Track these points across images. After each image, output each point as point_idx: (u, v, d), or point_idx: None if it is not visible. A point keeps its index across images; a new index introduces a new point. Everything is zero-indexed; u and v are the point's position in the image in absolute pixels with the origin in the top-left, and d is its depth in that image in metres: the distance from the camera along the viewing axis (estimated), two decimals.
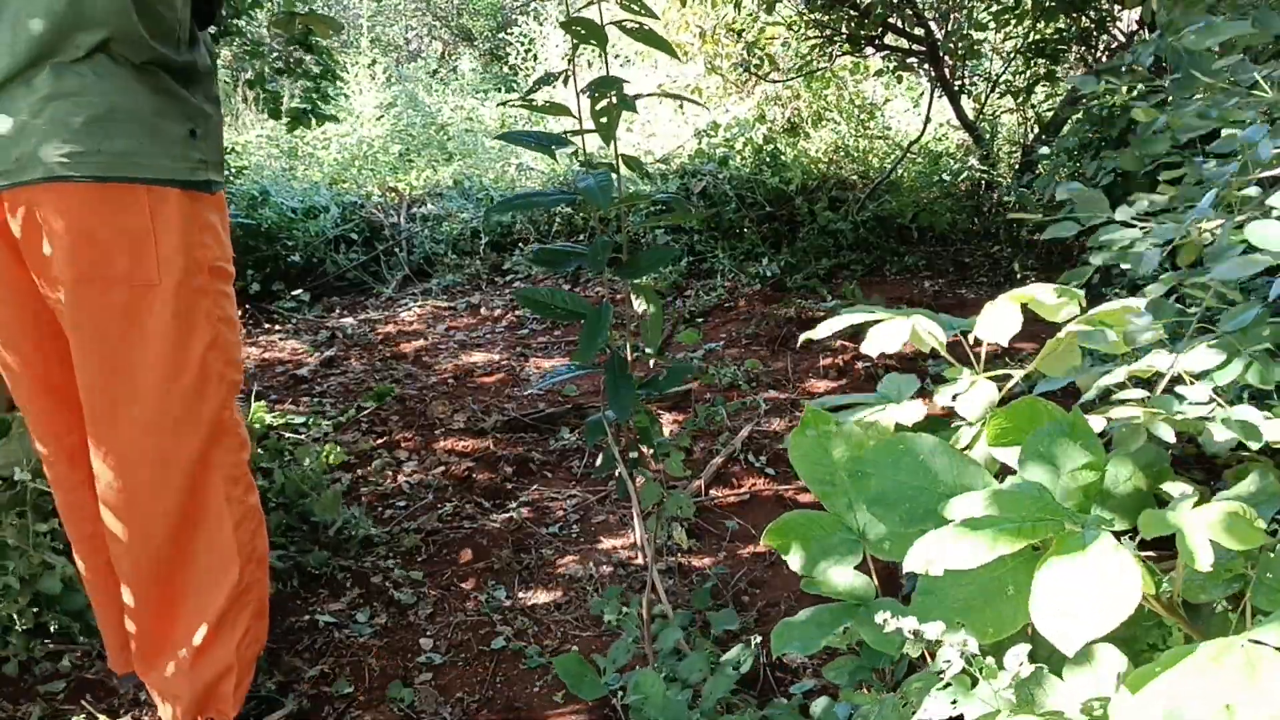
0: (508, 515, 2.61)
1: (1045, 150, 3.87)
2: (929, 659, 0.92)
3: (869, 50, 5.50)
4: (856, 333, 1.41)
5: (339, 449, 2.86)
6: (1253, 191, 1.19)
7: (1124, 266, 1.26)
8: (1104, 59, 4.75)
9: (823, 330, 1.35)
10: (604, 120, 1.64)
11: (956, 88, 5.33)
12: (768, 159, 5.57)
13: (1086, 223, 1.32)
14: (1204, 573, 0.94)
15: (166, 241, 1.47)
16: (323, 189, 5.65)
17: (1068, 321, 1.26)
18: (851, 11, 5.00)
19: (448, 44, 12.30)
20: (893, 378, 1.42)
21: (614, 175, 1.73)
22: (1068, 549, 0.84)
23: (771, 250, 4.89)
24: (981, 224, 5.22)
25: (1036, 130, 5.34)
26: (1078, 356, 1.28)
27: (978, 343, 1.33)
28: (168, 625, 1.66)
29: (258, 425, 2.79)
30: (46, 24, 1.35)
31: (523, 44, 9.78)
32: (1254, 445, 1.06)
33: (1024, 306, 1.33)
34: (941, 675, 0.86)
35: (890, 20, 5.00)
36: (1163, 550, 0.96)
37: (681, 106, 6.66)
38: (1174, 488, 1.09)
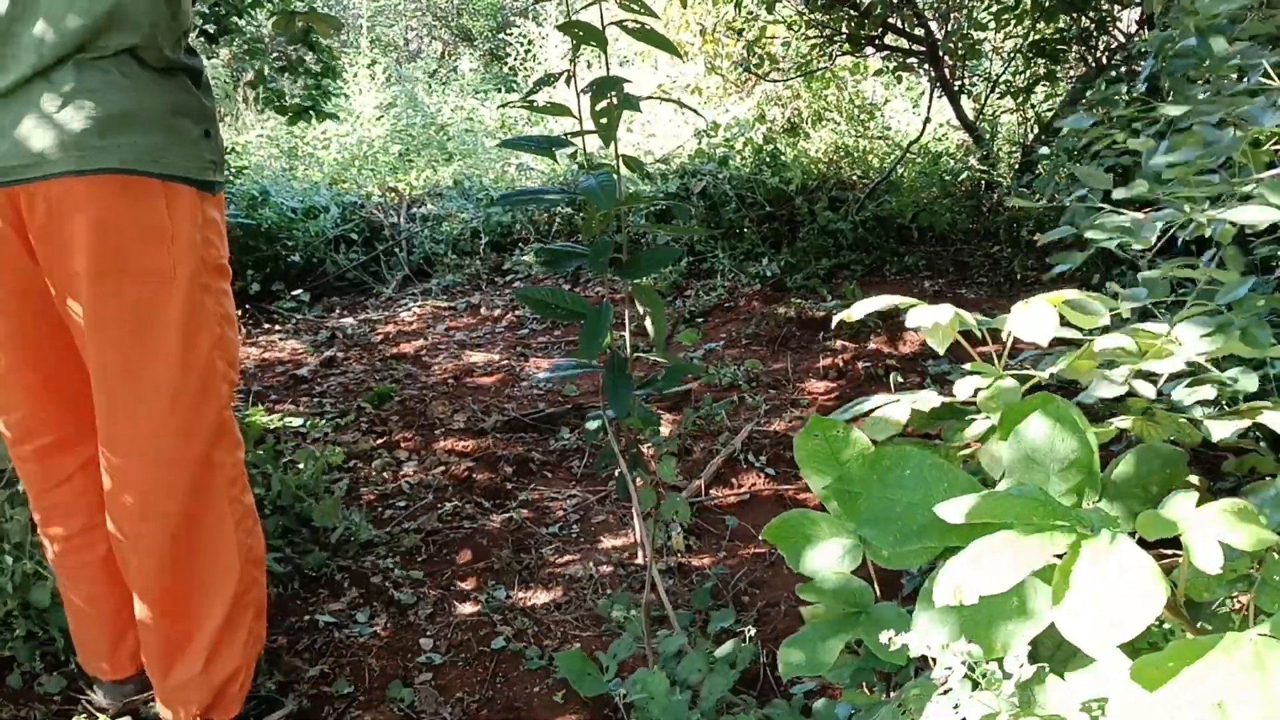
0: (508, 515, 2.60)
1: (1045, 150, 3.87)
2: (931, 662, 0.91)
3: (869, 50, 5.50)
4: (857, 333, 1.41)
5: (339, 449, 2.86)
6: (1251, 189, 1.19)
7: (1122, 254, 1.26)
8: (1104, 59, 4.75)
9: (856, 310, 1.34)
10: (604, 121, 1.63)
11: (956, 88, 5.33)
12: (768, 159, 5.57)
13: (1082, 228, 1.32)
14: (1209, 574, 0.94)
15: (181, 237, 1.49)
16: (323, 189, 5.65)
17: (1092, 331, 1.26)
18: (851, 11, 5.00)
19: (448, 44, 12.30)
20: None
21: (615, 176, 1.73)
22: (1093, 552, 0.82)
23: (771, 250, 4.89)
24: (981, 224, 5.22)
25: (1036, 130, 5.34)
26: (1103, 374, 1.28)
27: (996, 343, 1.32)
28: (180, 628, 1.65)
29: (251, 428, 2.78)
30: (82, 24, 1.37)
31: (522, 44, 9.78)
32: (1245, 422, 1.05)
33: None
34: (941, 682, 0.86)
35: (890, 20, 5.00)
36: (1163, 550, 0.96)
37: (680, 106, 6.64)
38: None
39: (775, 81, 6.10)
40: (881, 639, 0.88)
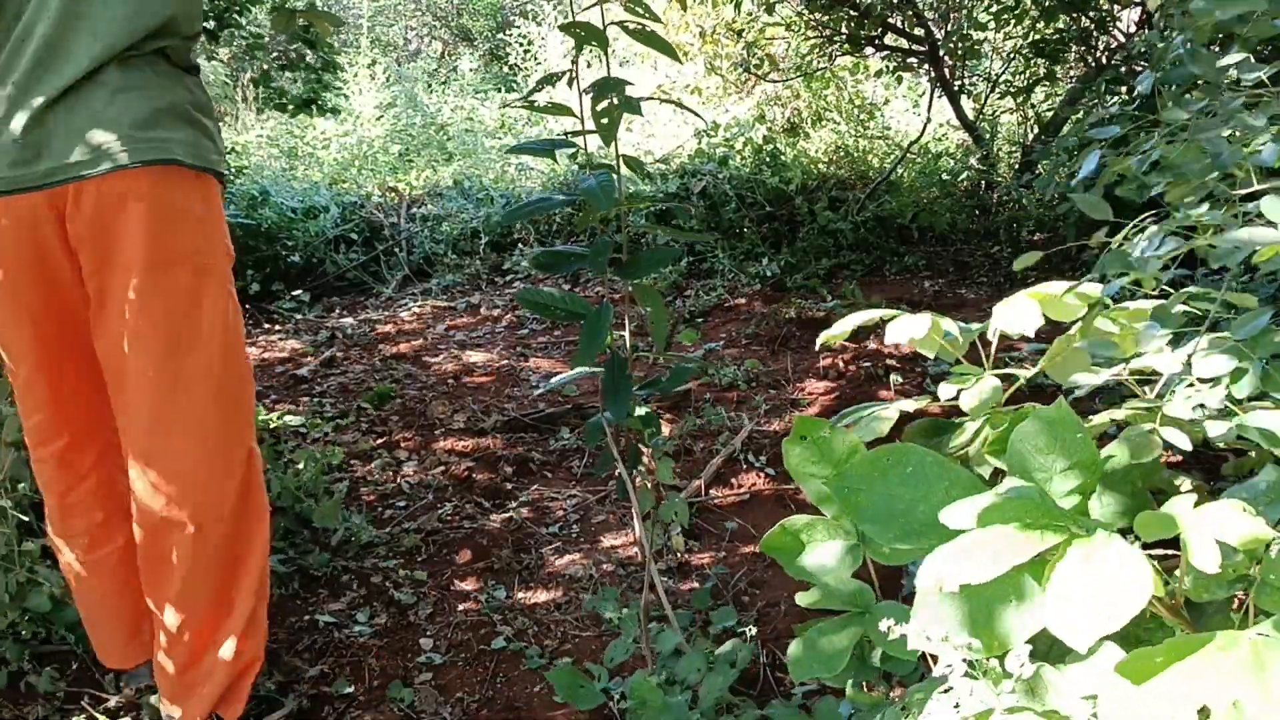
0: (508, 515, 2.61)
1: (1044, 149, 3.88)
2: (932, 663, 0.91)
3: (869, 50, 5.50)
4: (857, 333, 1.41)
5: (339, 450, 2.86)
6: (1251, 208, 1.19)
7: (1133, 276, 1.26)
8: (1104, 59, 4.75)
9: (839, 328, 1.35)
10: (605, 122, 1.63)
11: (956, 88, 5.33)
12: (768, 159, 5.57)
13: (1090, 249, 1.32)
14: (1207, 573, 0.94)
15: (217, 227, 1.57)
16: (323, 189, 5.65)
17: (1075, 322, 1.26)
18: (851, 11, 5.00)
19: (448, 44, 12.30)
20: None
21: (615, 176, 1.73)
22: (1078, 548, 0.83)
23: (771, 250, 4.89)
24: (981, 224, 5.22)
25: (1036, 130, 5.34)
26: (1087, 360, 1.28)
27: (985, 343, 1.33)
28: (212, 623, 1.65)
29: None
30: (138, 28, 1.43)
31: (522, 44, 9.78)
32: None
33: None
34: (943, 680, 0.86)
35: (890, 20, 5.00)
36: (1163, 549, 0.96)
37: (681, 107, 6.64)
38: (1183, 486, 1.09)
39: (775, 82, 6.10)
40: (881, 627, 0.88)
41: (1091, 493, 0.99)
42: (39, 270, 1.49)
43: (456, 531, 2.54)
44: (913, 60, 5.31)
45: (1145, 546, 0.88)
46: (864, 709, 1.29)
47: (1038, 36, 5.01)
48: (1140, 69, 3.18)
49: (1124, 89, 3.98)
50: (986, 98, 5.64)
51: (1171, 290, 1.27)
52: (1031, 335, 1.24)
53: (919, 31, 5.10)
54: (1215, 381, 1.16)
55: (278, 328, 4.26)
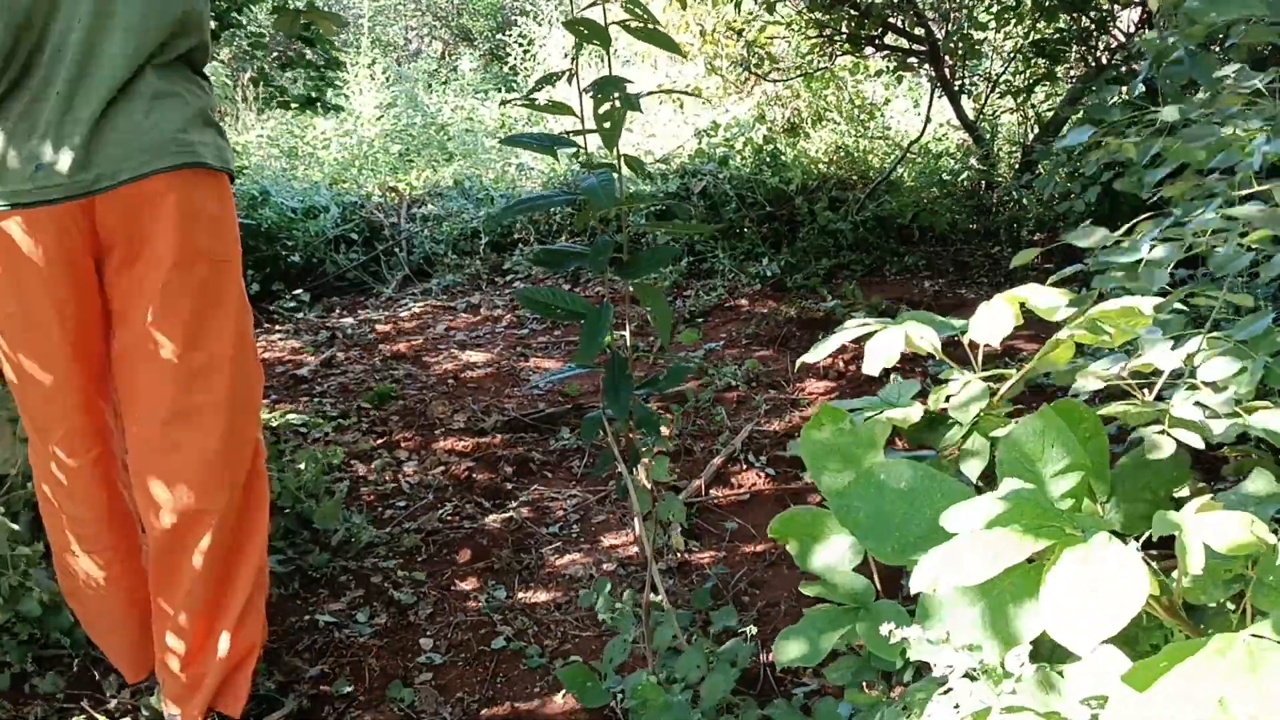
0: (508, 515, 2.61)
1: (1045, 149, 3.87)
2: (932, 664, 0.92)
3: (869, 50, 5.50)
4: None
5: (339, 449, 2.86)
6: (1251, 209, 1.19)
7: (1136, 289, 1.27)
8: (1104, 59, 4.75)
9: (820, 352, 1.35)
10: (607, 124, 1.63)
11: (956, 88, 5.33)
12: (768, 159, 5.57)
13: (1091, 262, 1.33)
14: (1204, 575, 0.94)
15: (231, 222, 1.64)
16: (323, 189, 5.65)
17: (1067, 320, 1.26)
18: (851, 11, 5.00)
19: (448, 44, 12.30)
20: (898, 385, 1.43)
21: (615, 175, 1.73)
22: (1074, 550, 0.83)
23: (771, 250, 4.89)
24: (981, 224, 5.22)
25: (1036, 130, 5.34)
26: (1069, 356, 1.28)
27: (974, 346, 1.33)
28: (218, 609, 1.68)
29: None
30: (159, 31, 1.49)
31: (522, 44, 9.78)
32: None
33: (1024, 306, 1.33)
34: (943, 680, 0.86)
35: (890, 20, 5.00)
36: (1164, 551, 0.96)
37: (681, 106, 6.65)
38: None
39: (775, 81, 6.10)
40: (882, 630, 0.88)
41: (1085, 495, 1.00)
42: (70, 273, 1.53)
43: (456, 531, 2.54)
44: (913, 60, 5.31)
45: (1147, 547, 0.88)
46: (864, 709, 1.29)
47: (1038, 36, 5.01)
48: (1139, 69, 3.18)
49: (1124, 89, 3.98)
50: (986, 98, 5.64)
51: (1170, 288, 1.27)
52: (997, 344, 1.24)
53: (919, 31, 5.10)
54: (1221, 386, 1.17)
55: (278, 328, 4.26)
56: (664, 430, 3.05)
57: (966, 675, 0.87)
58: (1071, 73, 5.40)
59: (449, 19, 12.44)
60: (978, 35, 5.20)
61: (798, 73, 5.96)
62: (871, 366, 1.27)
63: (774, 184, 5.26)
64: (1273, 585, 0.89)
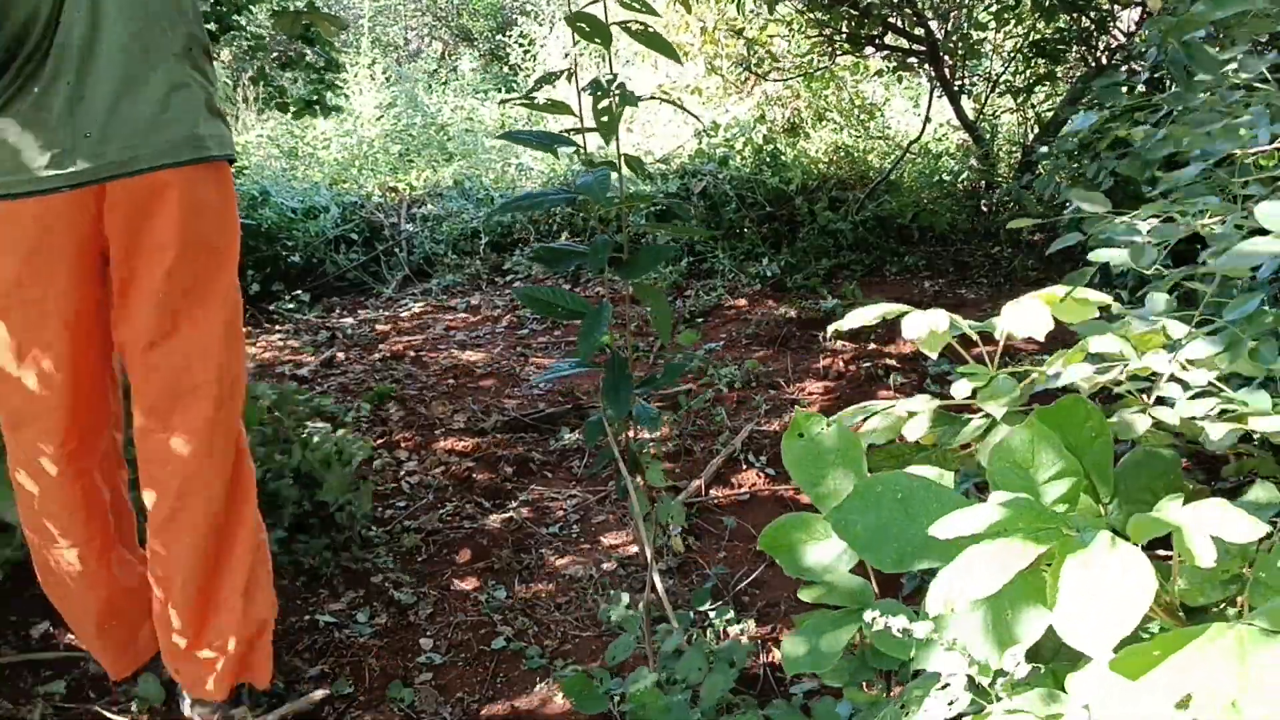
0: (508, 515, 2.61)
1: (1045, 150, 3.87)
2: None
3: (869, 50, 5.50)
4: (856, 333, 1.41)
5: (368, 443, 2.85)
6: (1254, 191, 1.19)
7: (1125, 266, 1.27)
8: (1104, 59, 4.75)
9: (851, 320, 1.35)
10: (605, 120, 1.63)
11: (956, 88, 5.33)
12: (768, 159, 5.57)
13: (1090, 233, 1.32)
14: (1202, 574, 0.94)
15: (232, 208, 1.67)
16: (323, 189, 5.65)
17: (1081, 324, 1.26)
18: (851, 11, 5.00)
19: (448, 44, 12.30)
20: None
21: (614, 174, 1.73)
22: (1073, 553, 0.83)
23: (771, 250, 4.89)
24: (981, 224, 5.22)
25: (1036, 130, 5.34)
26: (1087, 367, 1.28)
27: (990, 343, 1.33)
28: (222, 586, 1.73)
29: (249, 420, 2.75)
30: (154, 18, 1.52)
31: (523, 44, 9.78)
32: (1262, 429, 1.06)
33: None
34: (939, 677, 0.86)
35: (890, 20, 5.00)
36: (1163, 552, 0.96)
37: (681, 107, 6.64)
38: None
39: (775, 81, 6.11)
40: (891, 626, 0.89)
41: (1078, 500, 1.00)
42: (79, 260, 1.56)
43: (456, 531, 2.54)
44: (913, 60, 5.31)
45: (1150, 548, 0.88)
46: (863, 708, 1.29)
47: (1038, 36, 5.01)
48: (1140, 69, 3.18)
49: (1124, 89, 3.98)
50: (986, 98, 5.64)
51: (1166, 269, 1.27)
52: (1041, 338, 1.24)
53: (919, 31, 5.10)
54: (1202, 364, 1.16)
55: (278, 328, 4.26)
56: (662, 430, 3.05)
57: (968, 678, 0.87)
58: (1071, 73, 5.40)
59: (449, 19, 12.44)
60: (977, 35, 5.20)
61: (798, 72, 5.96)
62: (910, 332, 1.27)
63: (774, 184, 5.26)
64: (1269, 583, 0.89)
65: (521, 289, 1.77)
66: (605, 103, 1.64)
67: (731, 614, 2.06)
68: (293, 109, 4.13)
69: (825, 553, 1.22)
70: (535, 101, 1.77)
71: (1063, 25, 4.95)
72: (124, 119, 1.50)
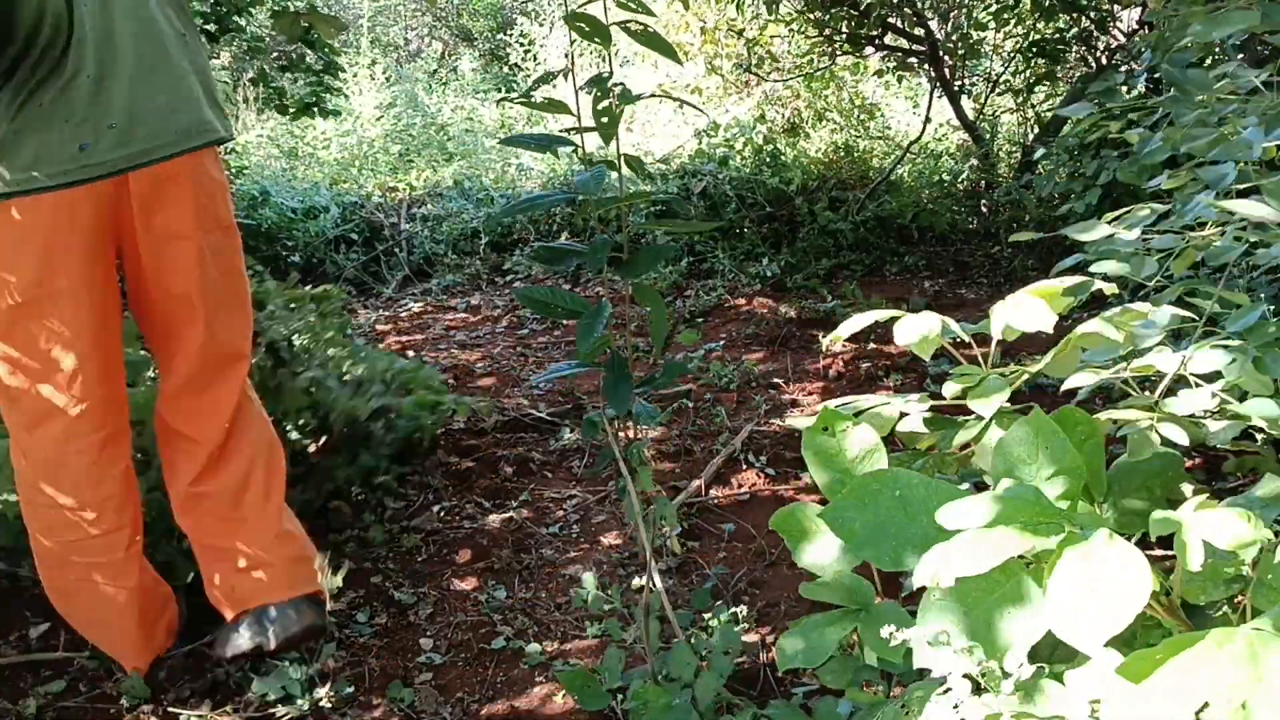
0: (508, 515, 2.61)
1: (1044, 149, 3.87)
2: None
3: (869, 50, 5.50)
4: (856, 334, 1.41)
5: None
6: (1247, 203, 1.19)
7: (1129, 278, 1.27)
8: (1104, 59, 4.75)
9: (844, 329, 1.35)
10: (604, 119, 1.63)
11: (956, 88, 5.33)
12: (768, 159, 5.56)
13: (1089, 246, 1.32)
14: (1204, 574, 0.94)
15: (226, 186, 1.76)
16: (323, 189, 5.65)
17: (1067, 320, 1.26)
18: (851, 11, 5.00)
19: (448, 44, 12.29)
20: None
21: (613, 172, 1.73)
22: (1076, 548, 0.83)
23: (771, 250, 4.89)
24: (981, 224, 5.22)
25: (1036, 130, 5.34)
26: (1077, 359, 1.28)
27: (983, 344, 1.33)
28: (254, 505, 1.85)
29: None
30: (170, 9, 1.59)
31: (523, 44, 9.78)
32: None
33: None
34: (942, 680, 0.86)
35: (890, 20, 5.00)
36: (1164, 552, 0.96)
37: (681, 106, 6.65)
38: (1186, 489, 1.09)
39: (775, 81, 6.10)
40: (882, 634, 0.88)
41: (1079, 497, 1.00)
42: (101, 248, 1.60)
43: (456, 531, 2.54)
44: (913, 60, 5.31)
45: (1145, 547, 0.88)
46: (864, 708, 1.29)
47: (1038, 36, 5.01)
48: (1138, 69, 3.18)
49: (1124, 89, 3.98)
50: (986, 98, 5.64)
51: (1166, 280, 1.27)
52: (1050, 331, 1.24)
53: (919, 31, 5.10)
54: (1212, 378, 1.17)
55: None
56: (662, 430, 3.05)
57: (966, 676, 0.86)
58: (1071, 73, 5.40)
59: (449, 19, 12.44)
60: (977, 35, 5.20)
61: (798, 73, 5.96)
62: (902, 338, 1.28)
63: (774, 184, 5.26)
64: (1273, 584, 0.89)
65: (521, 289, 1.77)
66: (605, 103, 1.64)
67: (731, 613, 2.06)
68: (292, 111, 4.13)
69: (826, 547, 1.21)
70: (534, 101, 1.76)
71: (1062, 25, 4.95)
72: (144, 107, 1.55)
